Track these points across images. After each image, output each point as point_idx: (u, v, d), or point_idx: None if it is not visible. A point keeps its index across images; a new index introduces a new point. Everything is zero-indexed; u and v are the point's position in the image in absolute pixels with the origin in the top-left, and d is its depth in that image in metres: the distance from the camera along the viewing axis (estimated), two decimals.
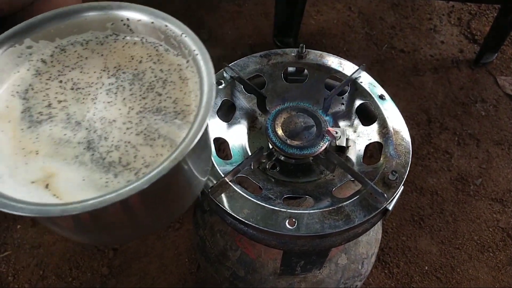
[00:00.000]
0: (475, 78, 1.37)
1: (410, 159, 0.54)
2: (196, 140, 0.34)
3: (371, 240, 0.73)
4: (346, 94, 0.63)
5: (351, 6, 1.53)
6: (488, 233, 1.09)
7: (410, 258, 1.05)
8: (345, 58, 0.65)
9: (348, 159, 0.58)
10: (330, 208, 0.50)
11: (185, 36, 0.42)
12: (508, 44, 1.45)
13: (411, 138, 0.58)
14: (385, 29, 1.46)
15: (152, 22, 0.43)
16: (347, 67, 0.64)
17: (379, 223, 0.77)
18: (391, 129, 0.57)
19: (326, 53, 0.65)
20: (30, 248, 1.05)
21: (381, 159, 0.55)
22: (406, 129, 0.57)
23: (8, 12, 0.73)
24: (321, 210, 0.50)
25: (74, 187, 0.35)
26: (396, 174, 0.51)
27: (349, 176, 0.55)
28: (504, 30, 1.31)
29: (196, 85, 0.40)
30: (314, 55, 0.65)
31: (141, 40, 0.45)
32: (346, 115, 0.62)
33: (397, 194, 0.52)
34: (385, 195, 0.50)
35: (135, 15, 0.44)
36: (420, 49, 1.43)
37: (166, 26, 0.43)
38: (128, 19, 0.44)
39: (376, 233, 0.75)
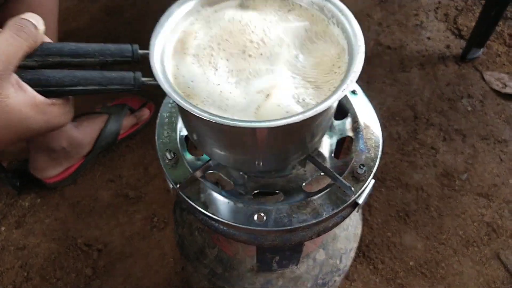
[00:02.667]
0: (461, 74, 1.38)
1: (380, 153, 0.54)
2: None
3: (349, 236, 0.73)
4: None
5: None
6: (473, 227, 1.09)
7: (395, 253, 1.05)
8: None
9: (320, 154, 0.57)
10: (299, 203, 0.50)
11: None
12: (494, 39, 1.45)
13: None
14: (371, 26, 1.46)
15: None
16: None
17: (358, 218, 0.77)
18: (361, 123, 0.57)
19: None
20: (14, 249, 1.05)
21: (351, 153, 0.55)
22: (378, 123, 0.57)
23: None
24: (289, 205, 0.50)
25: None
26: (364, 168, 0.51)
27: (319, 172, 0.55)
28: (489, 25, 1.31)
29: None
30: None
31: None
32: None
33: (366, 187, 0.52)
34: (353, 188, 0.50)
35: None
36: (406, 45, 1.43)
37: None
38: None
39: (355, 228, 0.74)
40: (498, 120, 1.27)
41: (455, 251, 1.05)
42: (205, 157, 0.57)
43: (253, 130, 0.41)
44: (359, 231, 0.77)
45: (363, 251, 1.04)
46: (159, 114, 0.58)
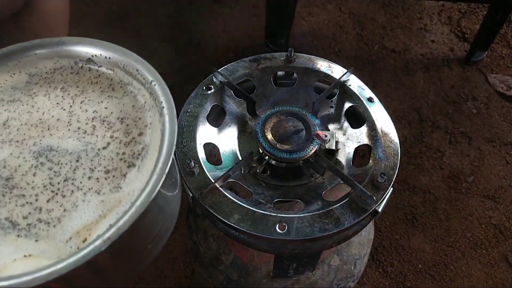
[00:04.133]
0: (466, 77, 1.38)
1: (399, 161, 0.55)
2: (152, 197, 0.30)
3: (363, 241, 0.74)
4: (335, 97, 0.64)
5: (342, 7, 1.54)
6: (481, 230, 1.09)
7: (404, 256, 1.05)
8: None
9: (338, 162, 0.58)
10: (320, 212, 0.51)
11: (155, 85, 0.39)
12: (498, 42, 1.46)
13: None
14: (376, 29, 1.47)
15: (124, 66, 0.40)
16: (336, 70, 0.64)
17: (371, 223, 0.78)
18: (379, 131, 0.57)
19: (314, 56, 0.65)
20: None
21: (370, 161, 0.55)
22: (395, 131, 0.58)
23: None
24: (311, 214, 0.50)
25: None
26: (385, 177, 0.52)
27: (339, 179, 0.56)
28: (493, 29, 1.32)
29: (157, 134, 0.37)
30: (303, 58, 0.65)
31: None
32: (335, 118, 0.63)
33: (386, 196, 0.52)
34: (374, 197, 0.50)
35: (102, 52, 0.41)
36: (411, 48, 1.44)
37: (137, 70, 0.40)
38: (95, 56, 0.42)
39: (368, 233, 0.75)
40: (503, 123, 1.28)
41: (463, 254, 1.06)
42: (224, 165, 0.57)
43: None
44: (371, 236, 0.77)
45: (372, 254, 1.05)
46: (177, 123, 0.58)
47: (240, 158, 0.59)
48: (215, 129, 0.61)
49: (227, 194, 0.52)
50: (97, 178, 0.33)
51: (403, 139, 1.22)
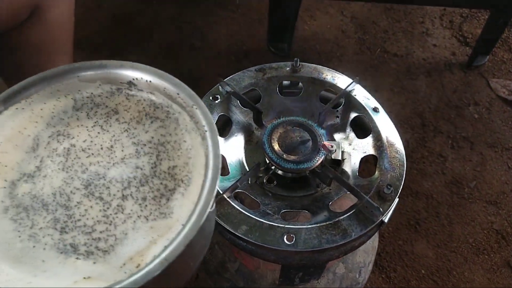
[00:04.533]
0: (467, 81, 1.39)
1: (405, 172, 0.55)
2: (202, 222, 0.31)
3: (367, 249, 0.74)
4: (341, 107, 0.64)
5: (344, 11, 1.54)
6: (483, 235, 1.10)
7: (407, 262, 1.06)
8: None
9: (344, 172, 0.58)
10: (327, 223, 0.51)
11: (196, 108, 0.38)
12: (499, 46, 1.47)
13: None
14: (378, 34, 1.47)
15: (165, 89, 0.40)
16: (341, 80, 0.64)
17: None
18: (385, 142, 0.58)
19: (320, 66, 0.66)
20: None
21: (376, 172, 0.55)
22: (400, 141, 0.58)
23: (1, 31, 0.73)
24: (318, 225, 0.51)
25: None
26: (391, 188, 0.52)
27: (345, 190, 0.56)
28: (495, 33, 1.32)
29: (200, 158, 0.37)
30: (308, 68, 0.65)
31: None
32: (341, 128, 0.63)
33: (392, 207, 0.53)
34: (381, 209, 0.51)
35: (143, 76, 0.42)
36: (413, 52, 1.45)
37: (178, 94, 0.39)
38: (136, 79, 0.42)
39: (372, 241, 0.76)
40: (505, 128, 1.29)
41: (465, 259, 1.06)
42: (232, 175, 0.58)
43: None
44: (376, 243, 0.78)
45: (376, 260, 1.05)
46: None
47: (247, 168, 0.60)
48: (221, 139, 0.61)
49: (235, 205, 0.53)
50: (146, 205, 0.34)
51: (406, 144, 1.23)
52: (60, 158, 0.37)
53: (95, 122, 0.40)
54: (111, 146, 0.38)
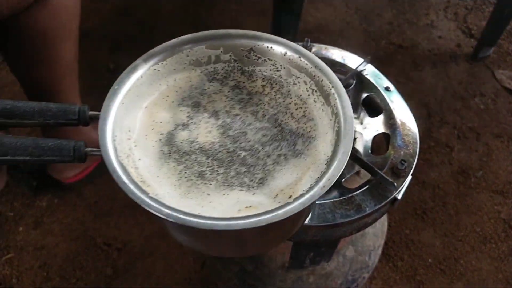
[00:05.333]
0: (473, 72, 1.38)
1: (418, 149, 0.54)
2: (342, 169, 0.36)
3: (377, 232, 0.74)
4: (352, 86, 0.64)
5: (348, 3, 1.53)
6: (490, 224, 1.09)
7: (414, 251, 1.05)
8: None
9: (356, 151, 0.58)
10: (341, 198, 0.51)
11: (318, 68, 0.43)
12: (504, 38, 1.47)
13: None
14: (383, 25, 1.47)
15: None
16: (352, 60, 0.64)
17: (385, 216, 0.77)
18: (398, 120, 0.57)
19: (331, 46, 0.65)
20: (33, 250, 1.05)
21: (389, 149, 0.55)
22: (413, 119, 0.58)
23: (7, 15, 0.73)
24: (332, 200, 0.50)
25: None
26: (405, 164, 0.52)
27: (356, 168, 0.56)
28: (500, 25, 1.32)
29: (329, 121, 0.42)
30: (318, 48, 0.65)
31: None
32: (353, 108, 0.63)
33: (406, 183, 0.52)
34: (395, 184, 0.50)
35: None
36: (418, 44, 1.44)
37: (299, 58, 0.44)
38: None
39: (382, 225, 0.75)
40: (511, 118, 1.28)
41: (473, 248, 1.06)
42: None
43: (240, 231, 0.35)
44: (385, 228, 0.77)
45: (383, 248, 1.04)
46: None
47: None
48: None
49: None
50: (288, 150, 0.41)
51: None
52: (207, 113, 0.43)
53: (229, 88, 0.45)
54: (245, 107, 0.44)
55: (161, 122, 0.42)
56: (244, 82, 0.45)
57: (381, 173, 0.51)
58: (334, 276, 0.69)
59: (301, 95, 0.44)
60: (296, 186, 0.38)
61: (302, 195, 0.35)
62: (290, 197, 0.37)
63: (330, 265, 0.69)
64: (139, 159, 0.39)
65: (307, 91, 0.44)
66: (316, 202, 0.50)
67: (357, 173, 0.62)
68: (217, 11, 1.50)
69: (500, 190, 1.15)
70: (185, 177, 0.39)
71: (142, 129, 0.41)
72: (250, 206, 0.37)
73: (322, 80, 0.42)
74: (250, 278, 0.70)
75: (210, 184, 0.38)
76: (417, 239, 1.07)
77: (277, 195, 0.37)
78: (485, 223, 1.10)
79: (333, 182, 0.35)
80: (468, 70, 1.39)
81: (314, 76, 0.43)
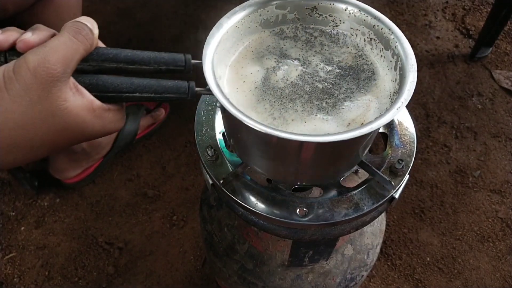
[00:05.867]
0: (471, 73, 1.40)
1: (415, 148, 0.55)
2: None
3: (375, 231, 0.74)
4: None
5: None
6: (488, 223, 1.10)
7: (412, 250, 1.06)
8: None
9: None
10: (340, 197, 0.51)
11: (378, 20, 0.49)
12: (502, 38, 1.48)
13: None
14: None
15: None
16: None
17: (383, 214, 0.78)
18: (395, 120, 0.58)
19: None
20: (35, 249, 1.06)
21: (387, 148, 0.56)
22: (410, 119, 0.59)
23: (12, 13, 0.74)
24: (331, 199, 0.51)
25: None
26: (403, 163, 0.52)
27: (355, 167, 0.57)
28: (498, 25, 1.33)
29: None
30: None
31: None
32: None
33: (403, 182, 0.53)
34: (392, 183, 0.51)
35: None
36: (416, 45, 1.45)
37: (359, 10, 0.50)
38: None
39: (380, 223, 0.76)
40: (509, 118, 1.29)
41: (470, 247, 1.07)
42: None
43: (325, 144, 0.42)
44: (383, 226, 0.78)
45: (381, 247, 1.06)
46: (196, 112, 0.59)
47: None
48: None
49: (247, 180, 0.53)
50: (357, 83, 0.49)
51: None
52: (289, 59, 0.50)
53: (302, 43, 0.52)
54: (314, 55, 0.51)
55: (251, 73, 0.49)
56: (309, 37, 0.53)
57: (379, 172, 0.51)
58: (333, 274, 0.70)
59: (357, 45, 0.52)
60: (365, 116, 0.45)
61: (380, 116, 0.41)
62: (362, 124, 0.44)
63: (329, 263, 0.69)
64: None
65: (364, 41, 0.51)
66: (315, 201, 0.51)
67: (356, 172, 0.63)
68: (216, 12, 1.51)
69: (498, 189, 1.16)
70: (277, 108, 0.46)
71: (231, 84, 0.48)
72: (328, 134, 0.42)
73: (382, 28, 0.49)
74: (250, 276, 0.70)
75: (296, 110, 0.46)
76: (415, 238, 1.08)
77: (349, 124, 0.45)
78: (483, 222, 1.11)
79: (408, 101, 0.42)
80: (466, 70, 1.40)
81: (374, 26, 0.49)
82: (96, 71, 0.41)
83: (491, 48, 1.43)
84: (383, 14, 0.49)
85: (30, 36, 0.37)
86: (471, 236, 1.08)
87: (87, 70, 0.41)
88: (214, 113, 0.59)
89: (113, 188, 1.14)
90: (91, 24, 0.40)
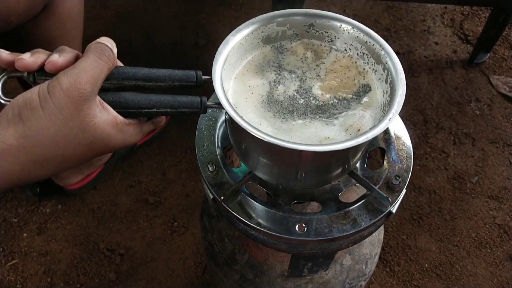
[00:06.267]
0: (469, 78, 1.41)
1: (412, 164, 0.57)
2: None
3: (374, 241, 0.76)
4: None
5: (346, 9, 1.56)
6: (485, 230, 1.12)
7: (410, 256, 1.07)
8: None
9: None
10: (338, 213, 0.53)
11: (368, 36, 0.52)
12: (500, 44, 1.49)
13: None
14: (380, 32, 1.49)
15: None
16: None
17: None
18: (392, 134, 0.59)
19: None
20: (37, 255, 1.07)
21: (385, 164, 0.57)
22: (407, 134, 0.60)
23: (15, 25, 0.75)
24: (329, 215, 0.52)
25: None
26: (399, 179, 0.54)
27: (353, 182, 0.58)
28: (496, 31, 1.34)
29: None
30: None
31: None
32: None
33: (400, 197, 0.54)
34: (389, 199, 0.52)
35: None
36: (415, 50, 1.46)
37: (353, 27, 0.53)
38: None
39: (378, 233, 0.77)
40: (506, 124, 1.30)
41: (468, 253, 1.08)
42: (243, 168, 0.59)
43: (318, 153, 0.45)
44: (381, 236, 0.79)
45: (380, 254, 1.07)
46: (197, 127, 0.60)
47: None
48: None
49: (247, 196, 0.54)
50: (351, 97, 0.52)
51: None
52: (286, 72, 0.54)
53: (298, 57, 0.55)
54: (311, 69, 0.54)
55: (257, 85, 0.52)
56: (306, 52, 0.56)
57: (376, 188, 0.53)
58: (332, 284, 0.71)
59: (352, 59, 0.54)
60: (361, 123, 0.49)
61: (373, 127, 0.45)
62: (358, 130, 0.48)
63: (328, 274, 0.71)
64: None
65: (358, 55, 0.54)
66: (314, 217, 0.52)
67: (356, 183, 0.65)
68: (216, 17, 1.52)
69: (495, 195, 1.17)
70: (279, 117, 0.50)
71: (240, 94, 0.51)
72: (328, 137, 0.48)
73: (373, 44, 0.52)
74: (250, 286, 0.72)
75: (294, 120, 0.50)
76: (413, 244, 1.09)
77: (347, 129, 0.49)
78: (481, 228, 1.12)
79: (398, 112, 0.46)
80: (464, 76, 1.41)
81: (366, 42, 0.53)
82: (116, 88, 0.45)
83: (489, 54, 1.44)
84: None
85: (57, 58, 0.41)
86: (468, 242, 1.10)
87: (108, 87, 0.44)
88: (215, 128, 0.60)
89: (114, 195, 1.15)
90: (111, 44, 0.44)
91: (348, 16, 0.53)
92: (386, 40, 0.52)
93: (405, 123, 1.30)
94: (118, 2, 1.56)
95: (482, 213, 1.14)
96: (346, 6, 1.56)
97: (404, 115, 1.29)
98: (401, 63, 0.50)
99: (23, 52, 0.85)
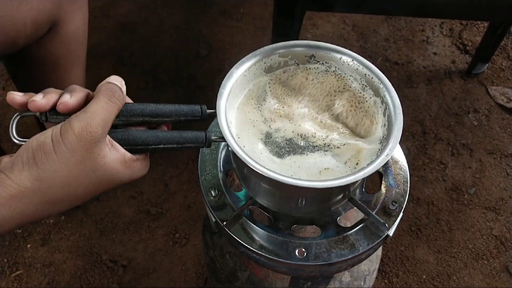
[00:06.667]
0: (467, 89, 1.42)
1: (408, 188, 0.58)
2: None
3: (372, 258, 0.77)
4: None
5: (346, 19, 1.57)
6: (482, 241, 1.13)
7: (409, 267, 1.09)
8: None
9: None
10: (336, 237, 0.54)
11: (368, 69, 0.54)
12: (498, 54, 1.50)
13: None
14: (379, 42, 1.50)
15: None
16: None
17: None
18: (390, 159, 0.61)
19: None
20: (41, 266, 1.09)
21: (382, 188, 0.59)
22: (404, 159, 0.61)
23: (22, 46, 0.76)
24: (328, 240, 0.54)
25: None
26: (396, 204, 0.55)
27: (350, 205, 0.60)
28: (494, 42, 1.35)
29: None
30: None
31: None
32: None
33: (397, 221, 0.56)
34: (386, 224, 0.54)
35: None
36: (413, 60, 1.48)
37: (352, 60, 0.55)
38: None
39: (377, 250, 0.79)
40: (504, 135, 1.32)
41: (465, 264, 1.10)
42: (245, 192, 0.61)
43: (317, 189, 0.47)
44: (380, 252, 0.81)
45: (379, 266, 1.08)
46: (200, 151, 0.62)
47: None
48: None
49: (249, 221, 0.56)
50: (350, 129, 0.54)
51: (407, 151, 1.26)
52: (282, 118, 0.55)
53: (290, 89, 0.57)
54: (308, 102, 0.56)
55: (257, 120, 0.54)
56: (304, 84, 0.57)
57: (373, 214, 0.54)
58: None
59: (353, 90, 0.55)
60: (359, 156, 0.50)
61: (371, 163, 0.46)
62: (357, 164, 0.50)
63: None
64: (244, 146, 0.51)
65: (359, 85, 0.55)
66: (313, 242, 0.54)
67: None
68: (217, 27, 1.54)
69: (493, 206, 1.19)
70: (281, 157, 0.52)
71: (243, 124, 0.53)
72: (328, 168, 0.50)
73: (372, 78, 0.53)
74: None
75: (290, 154, 0.52)
76: (411, 256, 1.11)
77: (346, 162, 0.50)
78: (478, 239, 1.14)
79: (395, 148, 0.48)
80: (462, 86, 1.43)
81: (365, 74, 0.54)
82: (124, 124, 0.47)
83: (487, 64, 1.45)
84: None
85: (68, 99, 0.42)
86: (466, 254, 1.11)
87: (117, 124, 0.46)
88: (218, 152, 0.62)
89: (116, 205, 1.17)
90: (120, 83, 0.46)
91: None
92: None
93: (403, 134, 1.32)
94: (119, 12, 1.58)
95: (479, 224, 1.16)
96: (345, 16, 1.58)
97: (403, 126, 1.31)
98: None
99: (28, 73, 0.86)
